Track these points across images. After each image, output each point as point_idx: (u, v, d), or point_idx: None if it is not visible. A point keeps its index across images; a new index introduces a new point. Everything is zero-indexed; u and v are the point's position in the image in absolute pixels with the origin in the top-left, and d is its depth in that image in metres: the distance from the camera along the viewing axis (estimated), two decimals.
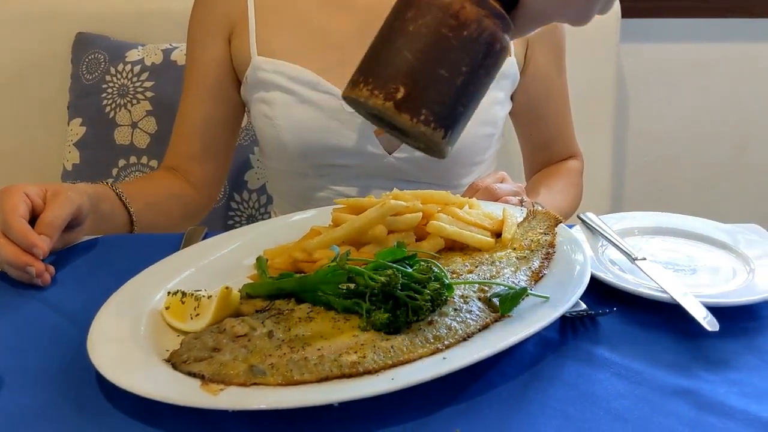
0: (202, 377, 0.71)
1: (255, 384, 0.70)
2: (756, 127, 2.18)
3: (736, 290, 0.88)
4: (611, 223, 1.04)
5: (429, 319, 0.77)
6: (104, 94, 1.74)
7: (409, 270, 0.80)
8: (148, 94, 1.72)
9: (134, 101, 1.72)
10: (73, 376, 0.76)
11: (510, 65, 1.33)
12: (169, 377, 0.71)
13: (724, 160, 2.21)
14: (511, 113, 1.43)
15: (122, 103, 1.73)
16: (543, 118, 1.43)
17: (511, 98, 1.40)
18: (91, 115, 1.74)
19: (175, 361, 0.74)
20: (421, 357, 0.73)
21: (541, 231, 0.97)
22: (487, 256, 0.93)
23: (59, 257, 1.01)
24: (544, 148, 1.46)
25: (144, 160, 1.71)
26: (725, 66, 2.13)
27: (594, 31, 1.88)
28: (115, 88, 1.73)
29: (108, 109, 1.73)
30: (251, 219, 1.75)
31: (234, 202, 1.74)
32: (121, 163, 1.72)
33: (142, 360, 0.74)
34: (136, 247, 1.05)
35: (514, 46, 1.34)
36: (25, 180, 1.03)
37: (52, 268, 0.95)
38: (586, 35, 1.85)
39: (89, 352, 0.74)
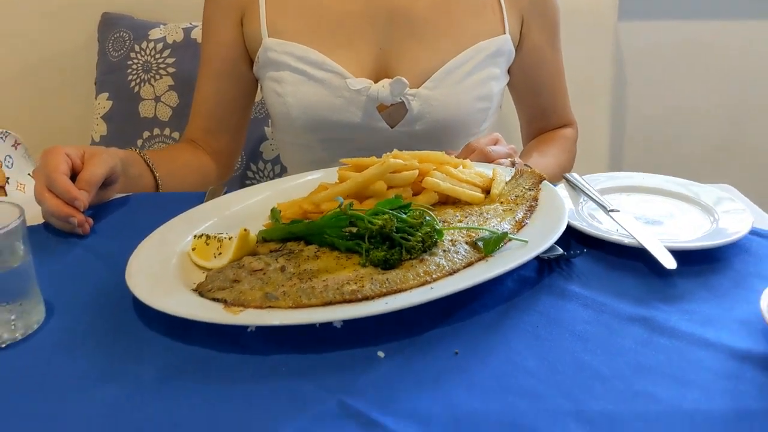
0: (224, 302, 0.83)
1: (269, 307, 0.81)
2: (752, 105, 2.25)
3: (698, 237, 0.98)
4: (593, 182, 1.15)
5: (420, 257, 0.89)
6: (129, 70, 1.86)
7: (404, 216, 0.91)
8: (170, 69, 1.84)
9: (157, 77, 1.84)
10: (112, 304, 0.89)
11: (505, 42, 1.43)
12: (196, 302, 0.83)
13: (721, 137, 2.28)
14: (509, 85, 1.53)
15: (146, 78, 1.85)
16: (538, 90, 1.53)
17: (509, 72, 1.50)
18: (117, 90, 1.86)
19: (201, 290, 0.86)
20: (412, 287, 0.84)
21: (527, 187, 1.08)
22: (476, 209, 1.04)
23: (95, 211, 1.13)
24: (540, 117, 1.56)
25: (167, 131, 1.83)
26: (723, 44, 2.20)
27: (592, 10, 1.97)
28: (139, 65, 1.85)
29: (133, 84, 1.85)
30: None
31: (250, 171, 1.86)
32: (146, 134, 1.84)
33: (173, 289, 0.86)
34: (164, 203, 1.17)
35: (510, 24, 1.44)
36: None
37: (90, 220, 1.07)
38: (585, 13, 1.95)
39: (127, 280, 0.86)
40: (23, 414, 0.71)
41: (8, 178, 1.60)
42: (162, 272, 0.90)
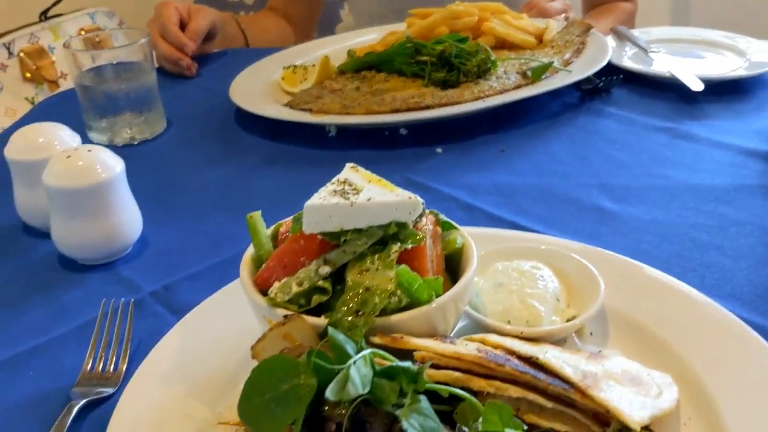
0: (310, 110, 1.00)
1: (347, 113, 0.98)
2: None
3: (728, 72, 1.09)
4: (639, 34, 1.25)
5: (476, 81, 1.03)
6: None
7: (462, 45, 1.05)
8: None
9: None
10: (217, 118, 1.08)
11: None
12: (288, 110, 1.01)
13: None
14: None
15: None
16: None
17: None
18: None
19: (290, 104, 1.03)
20: (467, 101, 0.99)
21: (576, 34, 1.19)
22: (529, 52, 1.16)
23: (199, 60, 1.31)
24: None
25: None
26: None
27: None
28: None
29: None
30: None
31: None
32: None
33: (268, 103, 1.04)
34: (255, 53, 1.34)
35: None
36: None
37: (196, 64, 1.25)
38: None
39: (231, 96, 1.05)
40: (156, 181, 0.91)
41: None
42: (258, 93, 1.08)
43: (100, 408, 0.56)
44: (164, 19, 1.22)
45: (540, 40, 1.20)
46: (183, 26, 1.26)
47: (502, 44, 1.19)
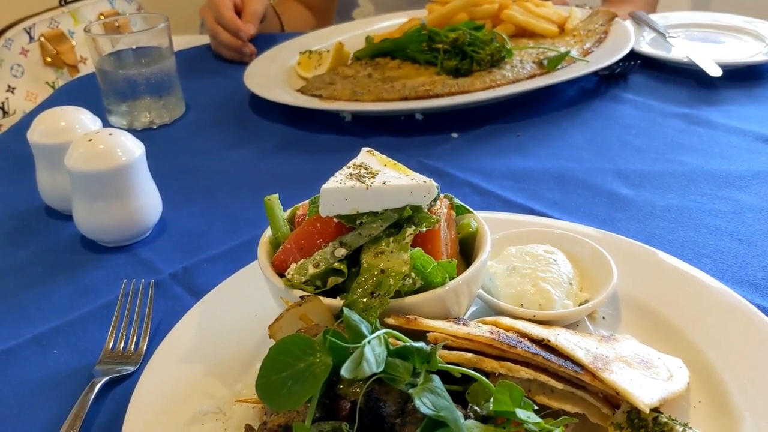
0: (320, 96, 1.01)
1: (356, 100, 0.99)
2: None
3: (748, 57, 1.08)
4: (660, 20, 1.24)
5: (489, 70, 1.03)
6: None
7: (476, 33, 1.05)
8: None
9: None
10: (236, 102, 1.09)
11: None
12: (300, 96, 1.02)
13: None
14: None
15: None
16: None
17: None
18: None
19: (302, 90, 1.04)
20: (477, 90, 0.99)
21: (600, 23, 1.18)
22: (549, 41, 1.16)
23: None
24: None
25: None
26: None
27: None
28: None
29: None
30: None
31: None
32: None
33: (283, 88, 1.05)
34: (274, 39, 1.34)
35: None
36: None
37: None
38: None
39: (245, 80, 1.06)
40: (175, 165, 0.93)
41: None
42: (274, 78, 1.09)
43: (122, 385, 0.58)
44: (219, 6, 1.23)
45: (562, 28, 1.19)
46: (236, 11, 1.26)
47: (523, 33, 1.18)
